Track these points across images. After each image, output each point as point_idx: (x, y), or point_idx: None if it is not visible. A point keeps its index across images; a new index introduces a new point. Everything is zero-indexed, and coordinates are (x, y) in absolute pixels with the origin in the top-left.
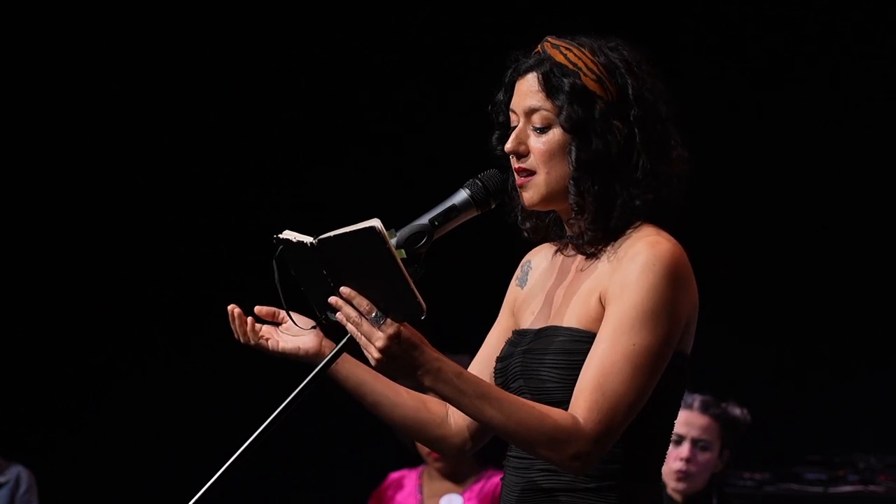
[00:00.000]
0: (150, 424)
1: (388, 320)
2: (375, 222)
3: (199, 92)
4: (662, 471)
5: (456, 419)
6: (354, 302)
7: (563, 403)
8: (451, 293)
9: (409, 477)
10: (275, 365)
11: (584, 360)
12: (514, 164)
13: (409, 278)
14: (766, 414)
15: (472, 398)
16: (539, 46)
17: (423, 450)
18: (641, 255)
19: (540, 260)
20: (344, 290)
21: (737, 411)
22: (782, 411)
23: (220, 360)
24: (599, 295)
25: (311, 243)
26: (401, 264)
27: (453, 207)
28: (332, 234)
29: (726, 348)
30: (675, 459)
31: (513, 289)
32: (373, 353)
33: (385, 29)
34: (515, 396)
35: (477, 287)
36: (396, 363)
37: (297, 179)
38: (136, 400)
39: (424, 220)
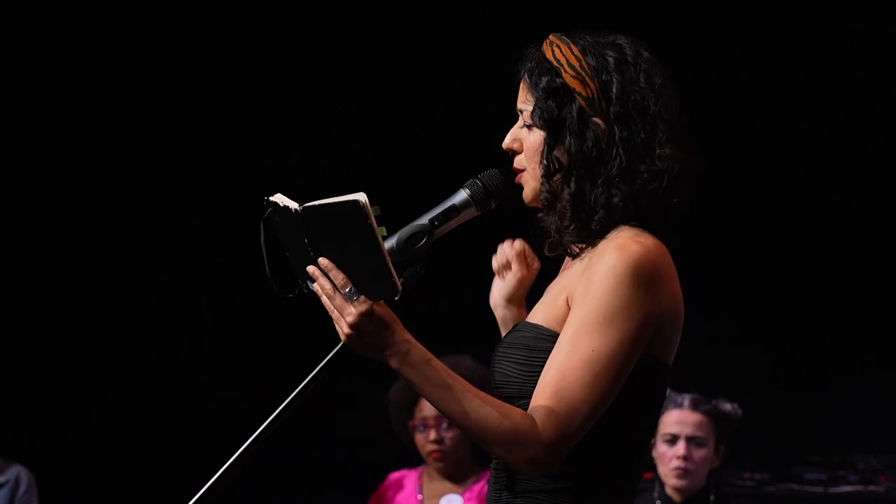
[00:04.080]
0: (150, 424)
1: (362, 297)
2: (360, 196)
3: (199, 92)
4: (661, 471)
5: None
6: (331, 274)
7: (517, 399)
8: (450, 293)
9: (409, 477)
10: (274, 365)
11: (543, 358)
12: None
13: (387, 256)
14: (767, 414)
15: (435, 387)
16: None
17: (424, 450)
18: (605, 258)
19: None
20: (322, 261)
21: (727, 406)
22: (782, 411)
23: (221, 359)
24: (567, 296)
25: (296, 210)
26: (381, 241)
27: (453, 207)
28: (316, 202)
29: (727, 349)
30: (671, 458)
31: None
32: (343, 329)
33: (385, 29)
34: (481, 392)
35: (478, 287)
36: (365, 341)
37: (296, 180)
38: (137, 400)
39: (424, 220)
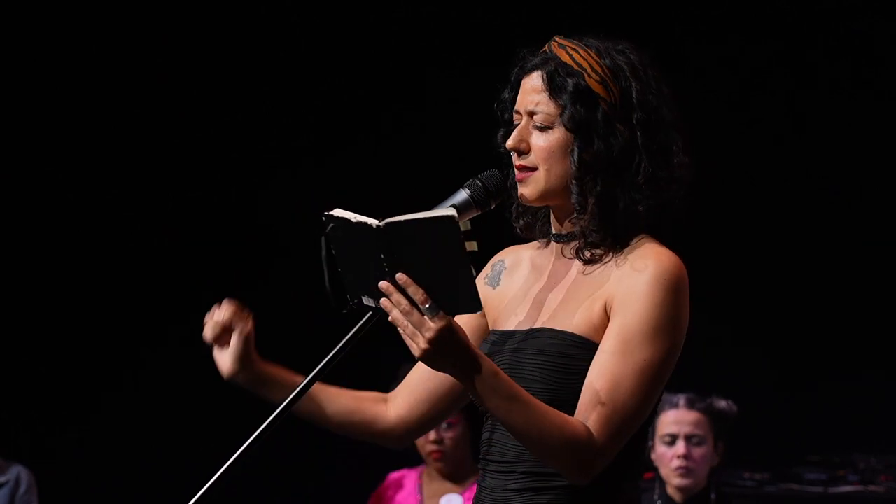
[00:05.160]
0: (150, 424)
1: (441, 312)
2: (452, 211)
3: (199, 92)
4: (663, 473)
5: (398, 411)
6: (409, 290)
7: (550, 405)
8: None
9: (409, 477)
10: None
11: (577, 365)
12: (515, 160)
13: (473, 272)
14: (767, 414)
15: (502, 399)
16: (546, 46)
17: (424, 450)
18: (650, 268)
19: (515, 260)
20: (400, 276)
21: (722, 403)
22: (782, 411)
23: None
24: (605, 303)
25: (377, 225)
26: (468, 257)
27: (453, 207)
28: (401, 218)
29: (727, 349)
30: (672, 458)
31: (480, 287)
32: (419, 344)
33: (385, 29)
34: (541, 403)
35: None
36: (441, 356)
37: (296, 180)
38: (136, 400)
39: None
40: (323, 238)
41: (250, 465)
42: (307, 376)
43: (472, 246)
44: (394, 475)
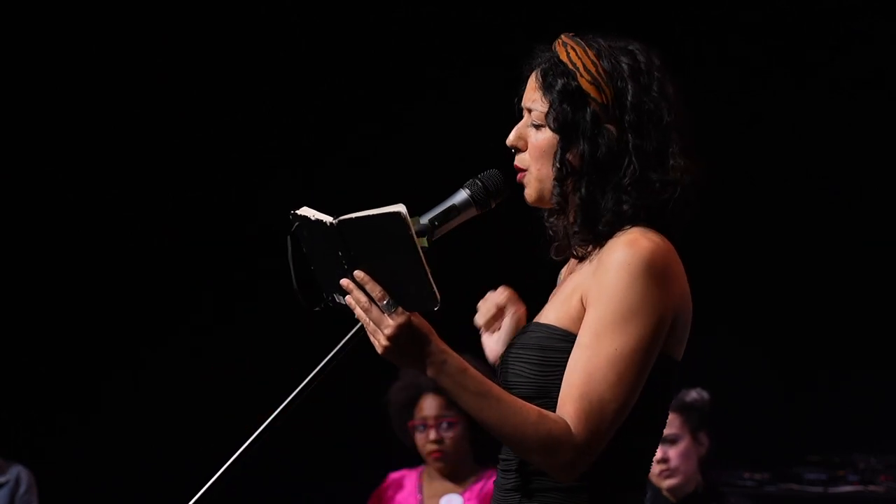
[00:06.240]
0: (150, 424)
1: (399, 308)
2: (400, 207)
3: (199, 92)
4: (654, 481)
5: None
6: (367, 287)
7: (533, 399)
8: (449, 292)
9: (409, 477)
10: (274, 364)
11: (557, 358)
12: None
13: (427, 268)
14: (766, 414)
15: (472, 395)
16: (553, 43)
17: (424, 450)
18: (616, 255)
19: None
20: (358, 273)
21: (692, 394)
22: (782, 411)
23: (221, 359)
24: (582, 296)
25: (331, 223)
26: (421, 253)
27: (453, 207)
28: (353, 215)
29: (727, 349)
30: (652, 465)
31: None
32: (380, 341)
33: (385, 29)
34: (515, 399)
35: (476, 287)
36: (403, 352)
37: (294, 181)
38: (136, 399)
39: (424, 220)
40: (288, 237)
41: (250, 465)
42: (308, 378)
43: (422, 242)
44: (394, 475)
